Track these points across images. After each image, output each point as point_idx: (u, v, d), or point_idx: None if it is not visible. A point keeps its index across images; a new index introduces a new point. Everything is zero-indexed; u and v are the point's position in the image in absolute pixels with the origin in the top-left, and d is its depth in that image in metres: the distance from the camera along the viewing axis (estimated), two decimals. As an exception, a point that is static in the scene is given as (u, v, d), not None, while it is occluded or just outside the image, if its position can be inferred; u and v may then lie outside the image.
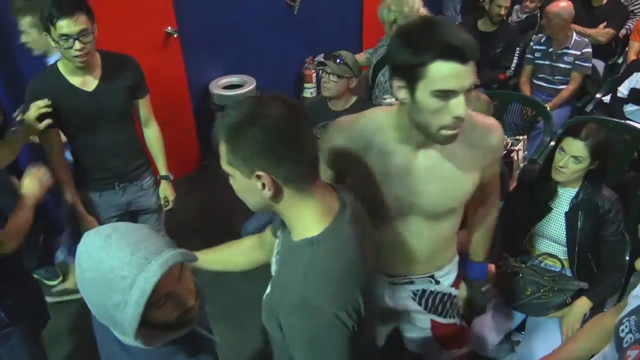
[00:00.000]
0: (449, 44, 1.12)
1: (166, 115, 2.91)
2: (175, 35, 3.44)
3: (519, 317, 2.12)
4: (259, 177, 1.01)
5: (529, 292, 2.03)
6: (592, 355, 1.34)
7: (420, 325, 1.71)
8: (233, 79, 3.87)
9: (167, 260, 0.96)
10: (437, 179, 1.38)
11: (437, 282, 1.64)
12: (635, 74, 3.51)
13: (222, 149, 1.05)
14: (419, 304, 1.66)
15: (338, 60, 2.54)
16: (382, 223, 1.45)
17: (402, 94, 1.22)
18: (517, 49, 4.02)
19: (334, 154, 1.38)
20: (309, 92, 4.52)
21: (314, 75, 4.41)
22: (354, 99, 2.65)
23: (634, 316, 1.13)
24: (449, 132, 1.23)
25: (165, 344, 1.09)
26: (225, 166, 1.07)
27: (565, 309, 2.01)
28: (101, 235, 0.99)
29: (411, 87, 1.19)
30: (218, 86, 3.79)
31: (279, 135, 0.99)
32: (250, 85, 3.78)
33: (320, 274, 1.04)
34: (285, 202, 1.06)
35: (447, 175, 1.38)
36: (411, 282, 1.63)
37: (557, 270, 2.09)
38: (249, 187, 1.04)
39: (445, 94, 1.16)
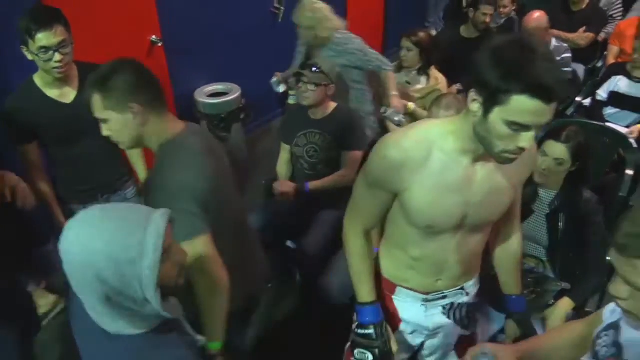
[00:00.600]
0: (540, 83, 1.10)
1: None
2: (159, 44, 3.45)
3: (502, 318, 2.13)
4: (131, 108, 1.42)
5: (512, 294, 2.05)
6: (563, 353, 1.37)
7: (447, 341, 1.69)
8: (218, 86, 3.87)
9: (164, 213, 1.08)
10: (488, 191, 1.38)
11: (467, 294, 1.64)
12: (614, 77, 3.57)
13: (96, 100, 1.44)
14: (449, 317, 1.64)
15: (314, 69, 2.52)
16: (427, 239, 1.45)
17: (475, 107, 1.20)
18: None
19: (390, 171, 1.35)
20: (294, 98, 4.53)
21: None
22: (333, 106, 2.65)
23: (611, 330, 1.16)
24: (510, 157, 1.24)
25: (153, 331, 1.11)
26: (100, 114, 1.46)
27: (548, 310, 2.04)
28: (92, 210, 1.06)
29: (486, 107, 1.18)
30: (203, 94, 3.79)
31: (140, 77, 1.45)
32: (235, 92, 3.79)
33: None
34: (151, 125, 1.47)
35: (496, 187, 1.39)
36: (444, 297, 1.61)
37: (539, 271, 2.12)
38: (123, 122, 1.45)
39: (518, 126, 1.16)
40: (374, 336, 1.51)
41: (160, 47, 3.47)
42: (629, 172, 2.98)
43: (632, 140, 3.18)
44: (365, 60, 3.11)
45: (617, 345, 1.14)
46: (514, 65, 1.11)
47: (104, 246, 0.99)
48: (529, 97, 1.11)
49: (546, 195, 2.11)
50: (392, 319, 1.61)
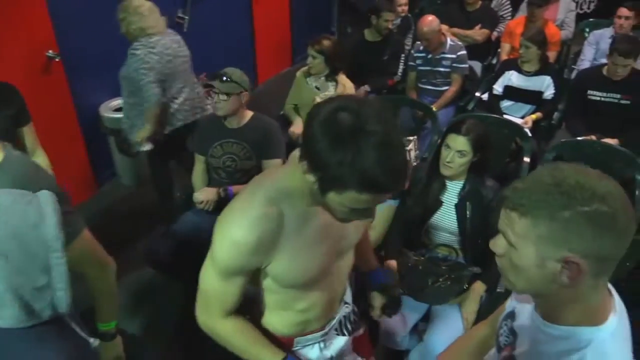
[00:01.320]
0: (376, 181, 1.03)
1: (54, 142, 2.77)
2: (57, 59, 3.28)
3: (422, 307, 2.23)
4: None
5: (429, 282, 2.15)
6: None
7: (348, 353, 1.64)
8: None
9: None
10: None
11: (347, 303, 1.61)
12: (507, 72, 3.83)
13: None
14: (344, 333, 1.58)
15: (224, 78, 2.50)
16: (309, 289, 1.36)
17: (310, 178, 1.10)
18: (402, 55, 4.28)
19: (246, 256, 1.20)
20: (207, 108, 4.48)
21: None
22: (249, 114, 2.65)
23: (509, 320, 1.19)
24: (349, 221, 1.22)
25: (36, 325, 1.04)
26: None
27: (463, 295, 2.15)
28: None
29: (322, 187, 1.10)
30: (109, 109, 3.65)
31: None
32: (143, 105, 3.68)
33: None
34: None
35: None
36: (333, 319, 1.55)
37: (452, 259, 2.23)
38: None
39: (357, 211, 1.13)
40: None
41: (59, 62, 3.30)
42: (526, 159, 3.21)
43: (527, 130, 3.43)
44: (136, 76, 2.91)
45: (512, 333, 1.16)
46: (347, 160, 1.01)
47: (3, 218, 0.96)
48: (365, 193, 1.06)
49: (453, 186, 2.23)
50: None
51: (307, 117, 1.10)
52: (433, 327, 2.16)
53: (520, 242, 0.94)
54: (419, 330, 2.28)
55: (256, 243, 1.18)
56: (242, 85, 2.54)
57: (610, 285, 1.02)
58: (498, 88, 3.86)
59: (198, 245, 2.55)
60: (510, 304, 1.23)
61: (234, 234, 1.19)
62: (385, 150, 1.02)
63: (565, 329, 0.98)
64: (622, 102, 3.47)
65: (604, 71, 3.52)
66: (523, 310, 1.12)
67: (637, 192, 2.92)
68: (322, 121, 1.04)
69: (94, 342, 1.22)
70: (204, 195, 2.59)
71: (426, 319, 2.25)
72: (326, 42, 3.30)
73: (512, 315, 1.18)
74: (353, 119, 1.02)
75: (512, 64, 3.86)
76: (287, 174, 1.24)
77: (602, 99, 3.52)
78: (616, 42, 3.49)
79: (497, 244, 1.01)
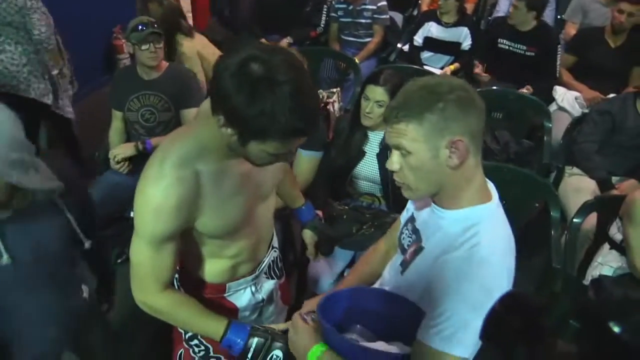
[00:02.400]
0: (292, 129, 1.07)
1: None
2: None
3: (348, 254, 2.31)
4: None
5: (354, 230, 2.22)
6: (376, 278, 1.52)
7: (276, 298, 1.67)
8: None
9: None
10: (267, 167, 1.32)
11: (275, 247, 1.64)
12: (426, 23, 3.90)
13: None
14: (272, 277, 1.63)
15: (152, 25, 2.43)
16: (236, 236, 1.38)
17: (228, 132, 1.10)
18: (325, 7, 4.23)
19: (171, 217, 1.19)
20: (122, 63, 4.28)
21: (125, 45, 4.17)
22: (165, 64, 2.57)
23: (409, 223, 1.36)
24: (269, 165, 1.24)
25: None
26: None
27: (385, 239, 2.24)
28: None
29: (242, 140, 1.11)
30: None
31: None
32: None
33: None
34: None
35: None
36: (262, 262, 1.57)
37: (375, 207, 2.31)
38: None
39: (278, 155, 1.16)
40: (261, 343, 1.32)
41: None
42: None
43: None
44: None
45: (415, 232, 1.32)
46: (266, 111, 1.02)
47: None
48: (286, 140, 1.10)
49: (374, 136, 2.28)
50: (231, 315, 1.49)
51: (214, 70, 1.08)
52: (358, 273, 2.24)
53: (414, 145, 1.11)
54: (345, 277, 2.36)
55: (176, 207, 1.17)
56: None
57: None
58: (418, 39, 3.93)
59: (117, 206, 2.53)
60: (404, 214, 1.42)
61: (152, 202, 1.17)
62: (300, 96, 1.05)
63: (462, 211, 1.18)
64: (528, 53, 3.61)
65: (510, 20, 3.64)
66: (422, 210, 1.32)
67: (545, 138, 3.11)
68: (234, 74, 1.03)
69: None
70: (121, 150, 2.51)
71: (351, 265, 2.33)
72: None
73: (412, 219, 1.35)
74: (264, 70, 1.03)
75: (432, 15, 3.93)
76: (198, 130, 1.23)
77: (510, 48, 3.66)
78: None
79: (393, 161, 1.16)
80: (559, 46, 4.19)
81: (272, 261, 1.62)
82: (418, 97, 1.11)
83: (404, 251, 1.36)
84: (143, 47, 2.43)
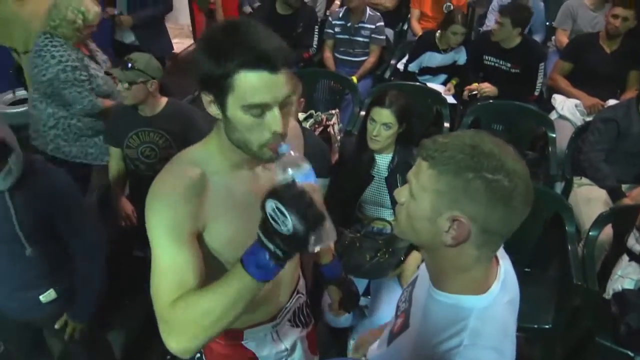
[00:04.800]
0: (254, 51, 1.01)
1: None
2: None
3: (362, 283, 2.24)
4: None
5: (368, 258, 2.15)
6: None
7: (303, 347, 1.58)
8: (20, 92, 3.43)
9: None
10: None
11: (301, 294, 1.54)
12: (425, 54, 3.78)
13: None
14: (297, 325, 1.54)
15: (129, 65, 2.32)
16: None
17: (214, 109, 1.10)
18: (316, 27, 4.20)
19: (187, 200, 1.11)
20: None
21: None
22: (164, 101, 2.49)
23: (410, 286, 1.23)
24: (270, 150, 1.09)
25: None
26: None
27: (401, 266, 2.18)
28: None
29: (221, 102, 1.07)
30: (2, 103, 3.33)
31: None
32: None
33: None
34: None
35: None
36: (288, 311, 1.47)
37: (387, 232, 2.24)
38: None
39: (257, 108, 1.05)
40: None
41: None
42: (446, 124, 3.29)
43: (449, 97, 3.49)
44: None
45: (409, 299, 1.19)
46: (223, 45, 1.03)
47: None
48: (250, 70, 1.02)
49: (382, 160, 2.23)
50: None
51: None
52: (375, 302, 2.18)
53: (419, 193, 0.97)
54: (361, 306, 2.29)
55: (185, 191, 1.11)
56: (148, 72, 2.34)
57: (502, 256, 1.07)
58: (414, 67, 3.84)
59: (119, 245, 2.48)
60: (419, 270, 1.25)
61: (161, 191, 1.12)
62: (259, 31, 1.05)
63: (450, 296, 1.01)
64: (512, 70, 3.57)
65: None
66: (424, 278, 1.14)
67: (550, 148, 3.08)
68: (200, 47, 1.07)
69: None
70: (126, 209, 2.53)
71: (366, 294, 2.27)
72: None
73: (413, 283, 1.22)
74: (224, 28, 1.06)
75: (429, 44, 3.78)
76: (203, 143, 1.22)
77: (495, 64, 3.62)
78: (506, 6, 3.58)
79: (401, 192, 1.03)
80: (551, 53, 4.22)
81: (298, 308, 1.52)
82: (459, 151, 0.92)
83: (397, 314, 1.24)
84: (119, 86, 2.36)
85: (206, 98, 1.09)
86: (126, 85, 2.32)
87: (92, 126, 2.79)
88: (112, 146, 2.59)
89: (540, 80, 3.55)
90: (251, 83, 1.02)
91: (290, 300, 1.48)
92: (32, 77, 2.68)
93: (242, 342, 1.42)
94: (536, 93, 3.58)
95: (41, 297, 1.81)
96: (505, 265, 1.07)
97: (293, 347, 1.53)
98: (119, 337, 2.57)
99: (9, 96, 3.36)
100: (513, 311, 1.06)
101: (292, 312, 1.49)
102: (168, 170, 1.17)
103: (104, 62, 2.87)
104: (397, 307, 1.26)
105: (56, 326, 1.87)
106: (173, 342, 1.03)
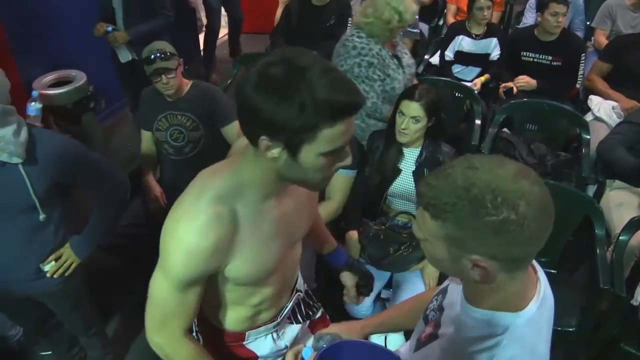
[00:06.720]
0: (340, 103, 0.95)
1: None
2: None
3: (385, 275, 2.24)
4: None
5: (391, 251, 2.15)
6: (408, 326, 1.39)
7: (303, 339, 1.58)
8: (60, 74, 3.51)
9: None
10: (301, 208, 1.27)
11: (299, 291, 1.54)
12: (457, 37, 3.81)
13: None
14: (298, 321, 1.54)
15: (162, 55, 2.36)
16: (262, 284, 1.29)
17: (275, 153, 1.00)
18: (349, 19, 4.18)
19: (203, 263, 1.09)
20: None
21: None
22: (188, 83, 2.54)
23: (440, 295, 1.19)
24: (329, 179, 1.09)
25: None
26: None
27: (424, 261, 2.16)
28: None
29: (292, 150, 0.99)
30: (42, 85, 3.42)
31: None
32: (80, 80, 3.46)
33: None
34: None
35: (305, 199, 1.28)
36: (284, 308, 1.48)
37: (412, 225, 2.23)
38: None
39: (335, 152, 1.01)
40: None
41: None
42: (477, 122, 3.24)
43: (476, 92, 3.45)
44: None
45: (440, 309, 1.15)
46: (306, 102, 0.93)
47: None
48: (335, 122, 0.97)
49: (410, 153, 2.22)
50: None
51: (237, 98, 1.01)
52: (397, 295, 2.17)
53: (432, 239, 0.92)
54: (383, 298, 2.29)
55: (212, 249, 1.08)
56: (176, 54, 2.42)
57: (538, 268, 1.03)
58: (449, 53, 3.85)
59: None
60: (449, 278, 1.22)
61: (186, 243, 1.07)
62: (329, 73, 0.96)
63: (485, 313, 0.98)
64: (554, 63, 3.52)
65: (536, 32, 3.56)
66: (455, 288, 1.11)
67: (583, 150, 3.01)
68: (257, 87, 0.96)
69: None
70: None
71: (389, 286, 2.27)
72: None
73: (444, 292, 1.18)
74: (283, 67, 0.95)
75: (461, 28, 3.84)
76: (234, 169, 1.13)
77: (535, 60, 3.57)
78: None
79: (417, 231, 0.97)
80: (590, 53, 4.12)
81: (296, 304, 1.52)
82: (455, 196, 0.86)
83: (425, 322, 1.21)
84: (155, 80, 2.40)
85: (266, 142, 0.99)
86: (172, 74, 2.37)
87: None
88: (144, 130, 2.64)
89: (581, 71, 3.50)
90: (336, 133, 0.98)
91: (290, 300, 1.48)
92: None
93: (244, 343, 1.43)
94: (578, 85, 3.52)
95: (45, 267, 1.82)
96: (542, 278, 1.02)
97: (294, 344, 1.52)
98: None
99: (48, 78, 3.43)
100: (548, 329, 1.02)
101: (290, 310, 1.48)
102: (195, 210, 1.08)
103: (408, 67, 2.77)
104: (426, 315, 1.22)
105: (52, 257, 1.84)
106: (156, 341, 1.22)
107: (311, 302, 1.62)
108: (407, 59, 2.79)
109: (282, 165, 1.03)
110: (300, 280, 1.55)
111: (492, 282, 0.92)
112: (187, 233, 1.07)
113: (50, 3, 3.43)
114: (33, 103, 2.74)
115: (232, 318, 1.36)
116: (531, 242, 0.86)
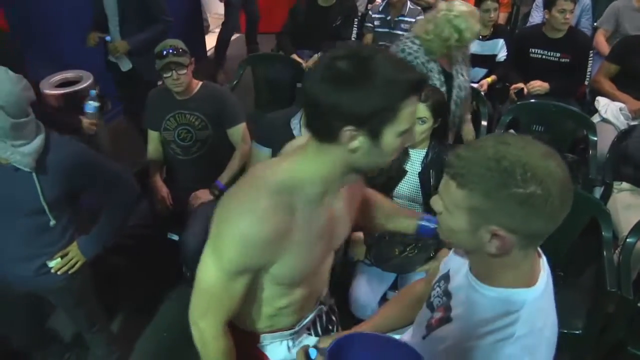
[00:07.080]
0: (416, 79, 1.03)
1: None
2: None
3: (390, 277, 2.24)
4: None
5: (397, 252, 2.14)
6: (404, 321, 1.40)
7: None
8: (67, 75, 3.52)
9: None
10: (346, 212, 1.28)
11: (323, 303, 1.53)
12: None
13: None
14: (317, 334, 1.52)
15: (174, 51, 2.37)
16: (293, 287, 1.28)
17: (357, 143, 1.03)
18: (355, 20, 4.19)
19: (258, 251, 1.10)
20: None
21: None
22: (198, 83, 2.55)
23: (442, 281, 1.21)
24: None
25: None
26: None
27: (430, 262, 2.15)
28: None
29: (375, 134, 1.03)
30: (50, 85, 3.43)
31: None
32: (87, 80, 3.47)
33: None
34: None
35: (349, 201, 1.29)
36: (305, 318, 1.47)
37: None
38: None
39: (409, 131, 1.07)
40: None
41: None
42: (484, 123, 3.23)
43: (482, 93, 3.44)
44: None
45: (447, 294, 1.17)
46: (382, 85, 0.99)
47: None
48: (412, 98, 1.03)
49: (416, 154, 2.21)
50: None
51: (305, 98, 1.05)
52: (402, 297, 2.16)
53: (453, 209, 0.97)
54: (388, 299, 2.28)
55: (269, 238, 1.08)
56: (188, 52, 2.45)
57: (540, 251, 1.09)
58: (456, 56, 3.84)
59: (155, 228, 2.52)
60: (444, 265, 1.26)
61: (244, 229, 1.07)
62: (391, 58, 1.05)
63: (500, 291, 1.02)
64: (562, 60, 3.52)
65: (543, 29, 3.56)
66: (458, 272, 1.16)
67: (590, 152, 3.00)
68: (331, 83, 1.00)
69: None
70: (200, 200, 2.50)
71: (394, 287, 2.26)
72: None
73: (446, 277, 1.21)
74: (350, 60, 1.00)
75: None
76: (294, 164, 1.14)
77: (544, 57, 3.57)
78: None
79: (436, 202, 1.03)
80: (595, 53, 4.10)
81: (318, 316, 1.51)
82: (485, 167, 0.91)
83: (432, 309, 1.22)
84: (165, 75, 2.41)
85: (350, 133, 1.02)
86: (183, 70, 2.38)
87: None
88: (151, 129, 2.64)
89: (589, 70, 3.49)
90: (412, 109, 1.04)
91: (313, 310, 1.46)
92: None
93: (257, 345, 1.42)
94: (586, 82, 3.52)
95: (50, 263, 1.84)
96: (543, 257, 1.09)
97: None
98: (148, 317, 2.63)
99: (56, 78, 3.45)
100: (553, 301, 1.09)
101: (311, 321, 1.47)
102: (255, 198, 1.08)
103: (458, 88, 2.66)
104: (430, 302, 1.24)
105: (58, 255, 1.86)
106: (199, 324, 1.22)
107: (333, 318, 1.60)
108: (462, 80, 2.69)
109: (361, 153, 1.05)
110: (326, 292, 1.54)
111: (506, 256, 0.97)
112: (244, 220, 1.07)
113: (56, 4, 3.44)
114: (91, 102, 2.77)
115: (253, 317, 1.34)
116: (551, 219, 0.92)
